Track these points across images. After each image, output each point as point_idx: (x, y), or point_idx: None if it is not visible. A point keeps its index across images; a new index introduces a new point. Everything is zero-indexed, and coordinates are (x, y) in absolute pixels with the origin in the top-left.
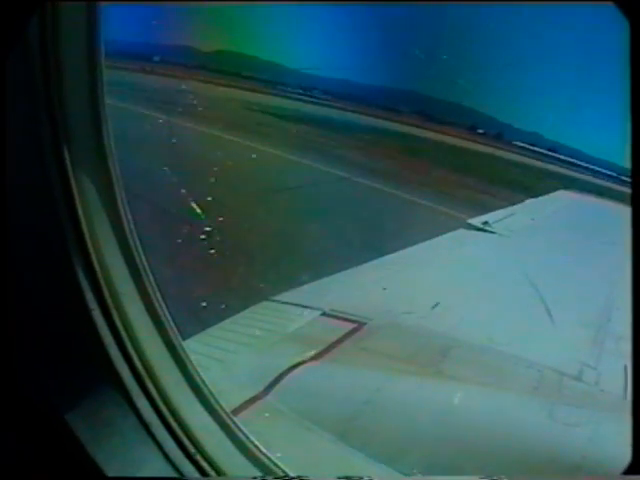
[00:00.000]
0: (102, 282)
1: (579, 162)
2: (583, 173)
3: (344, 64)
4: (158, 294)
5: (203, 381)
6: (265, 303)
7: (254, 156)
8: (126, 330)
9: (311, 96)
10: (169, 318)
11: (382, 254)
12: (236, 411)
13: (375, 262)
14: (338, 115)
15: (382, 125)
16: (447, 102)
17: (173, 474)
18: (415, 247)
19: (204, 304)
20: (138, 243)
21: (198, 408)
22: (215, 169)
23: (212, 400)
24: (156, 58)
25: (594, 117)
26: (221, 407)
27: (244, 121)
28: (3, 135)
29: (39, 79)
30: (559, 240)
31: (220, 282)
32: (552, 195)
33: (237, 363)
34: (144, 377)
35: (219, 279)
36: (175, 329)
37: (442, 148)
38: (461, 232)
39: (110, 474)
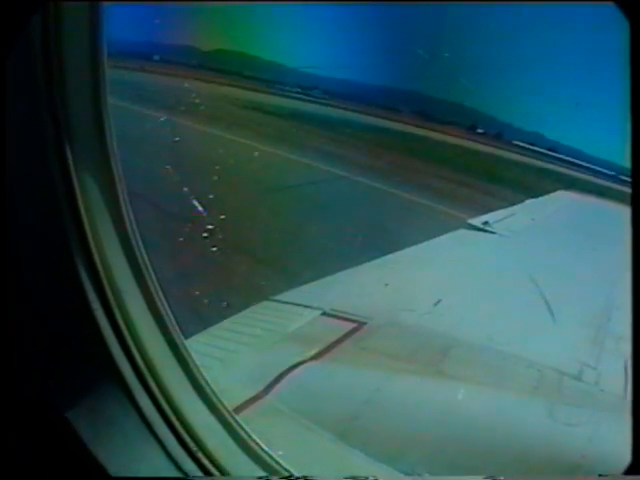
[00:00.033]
0: (104, 280)
1: (579, 162)
2: (583, 173)
3: (345, 63)
4: (160, 292)
5: (205, 379)
6: (265, 303)
7: (256, 154)
8: (128, 328)
9: (311, 95)
10: (171, 316)
11: (382, 254)
12: (236, 410)
13: (375, 262)
14: (339, 114)
15: (382, 124)
16: (449, 102)
17: (175, 472)
18: (415, 247)
19: (206, 301)
20: (140, 241)
21: (200, 406)
22: (217, 167)
23: (214, 398)
24: (156, 57)
25: (594, 117)
26: (223, 405)
27: (244, 120)
28: (5, 134)
29: (42, 79)
30: (559, 240)
31: (222, 280)
32: (552, 195)
33: (237, 363)
34: (146, 375)
35: (221, 277)
36: (177, 327)
37: (442, 147)
38: (461, 232)
39: (112, 472)
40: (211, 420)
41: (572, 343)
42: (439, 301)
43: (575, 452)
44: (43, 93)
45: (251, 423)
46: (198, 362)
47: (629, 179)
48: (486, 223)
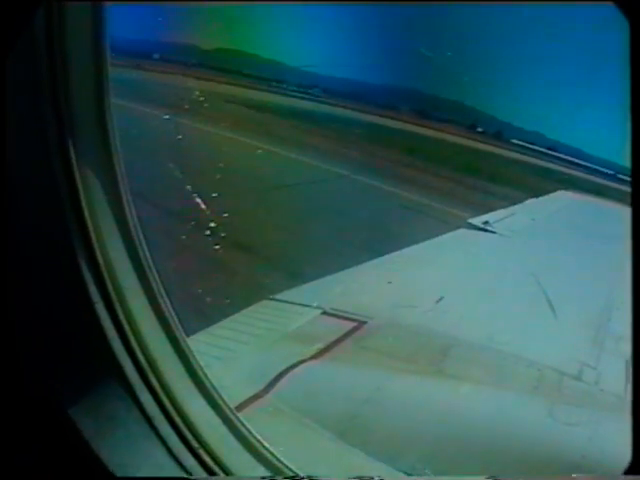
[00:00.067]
0: (106, 276)
1: (579, 161)
2: (583, 172)
3: (345, 62)
4: (162, 289)
5: (206, 375)
6: (266, 302)
7: (259, 152)
8: (129, 324)
9: (311, 94)
10: (172, 313)
11: (382, 253)
12: (237, 409)
13: (375, 261)
14: (338, 113)
15: (383, 123)
16: (450, 101)
17: (176, 468)
18: (415, 247)
19: (209, 299)
20: (142, 238)
21: (201, 402)
22: (220, 165)
23: (215, 395)
24: (156, 56)
25: (595, 116)
26: (224, 402)
27: (244, 119)
28: (9, 133)
29: (45, 78)
30: (559, 240)
31: (225, 277)
32: (552, 195)
33: (238, 362)
34: (147, 371)
35: (224, 274)
36: (179, 324)
37: (442, 146)
38: (461, 232)
39: (113, 468)
40: (212, 417)
41: (572, 343)
42: (441, 299)
43: (575, 452)
44: (46, 92)
45: (251, 422)
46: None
47: (627, 178)
48: (486, 223)
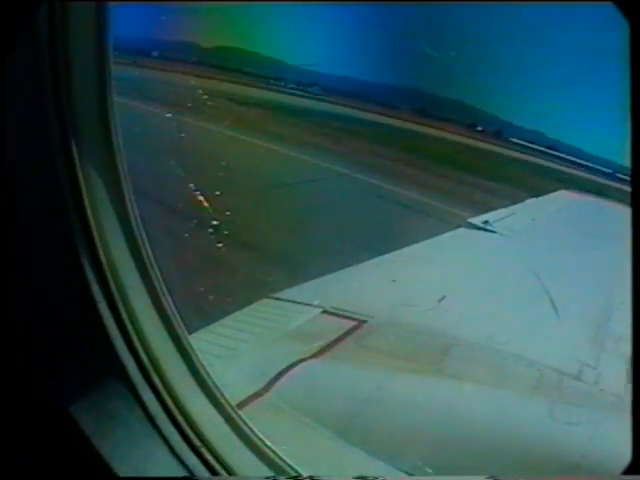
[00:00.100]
0: (108, 275)
1: (579, 160)
2: (584, 171)
3: (345, 61)
4: (164, 287)
5: (208, 374)
6: (266, 300)
7: (259, 150)
8: (132, 323)
9: (310, 92)
10: (175, 311)
11: (382, 252)
12: (237, 407)
13: (375, 260)
14: (338, 111)
15: (383, 121)
16: (450, 99)
17: (178, 467)
18: (415, 246)
19: (211, 297)
20: (145, 237)
21: (203, 401)
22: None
23: (217, 393)
24: (155, 53)
25: (595, 116)
26: (226, 400)
27: (245, 117)
28: (12, 133)
29: (48, 78)
30: (559, 240)
31: (227, 276)
32: (552, 195)
33: (238, 360)
34: (149, 370)
35: (226, 272)
36: (181, 323)
37: (442, 145)
38: (462, 231)
39: (115, 466)
40: (214, 415)
41: (572, 343)
42: (443, 298)
43: (575, 452)
44: (49, 92)
45: (251, 420)
46: None
47: (627, 177)
48: (486, 222)
